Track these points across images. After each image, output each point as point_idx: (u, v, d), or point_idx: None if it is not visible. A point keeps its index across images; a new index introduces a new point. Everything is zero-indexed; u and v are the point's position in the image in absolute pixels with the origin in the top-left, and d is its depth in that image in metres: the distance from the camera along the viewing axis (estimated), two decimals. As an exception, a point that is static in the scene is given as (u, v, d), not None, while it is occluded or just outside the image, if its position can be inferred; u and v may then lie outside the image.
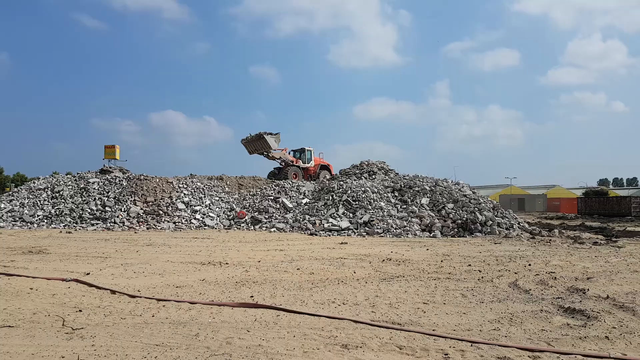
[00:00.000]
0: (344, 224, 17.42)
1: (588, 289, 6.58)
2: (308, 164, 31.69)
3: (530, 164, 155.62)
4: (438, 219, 17.65)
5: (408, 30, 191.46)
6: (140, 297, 6.13)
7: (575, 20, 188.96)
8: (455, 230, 16.85)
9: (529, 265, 9.11)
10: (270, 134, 29.69)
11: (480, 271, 8.35)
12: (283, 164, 30.82)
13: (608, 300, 5.93)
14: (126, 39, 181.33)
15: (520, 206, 55.27)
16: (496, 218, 17.68)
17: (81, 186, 22.95)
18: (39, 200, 21.86)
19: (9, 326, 4.78)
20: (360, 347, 4.13)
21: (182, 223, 19.52)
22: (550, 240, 14.50)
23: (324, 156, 33.30)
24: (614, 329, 4.73)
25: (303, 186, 23.52)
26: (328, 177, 32.06)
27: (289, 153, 31.73)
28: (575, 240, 14.53)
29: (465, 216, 17.37)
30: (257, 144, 29.81)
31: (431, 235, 16.33)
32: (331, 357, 3.89)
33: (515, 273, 8.13)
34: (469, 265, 9.12)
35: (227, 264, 9.26)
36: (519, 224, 18.39)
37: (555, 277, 7.64)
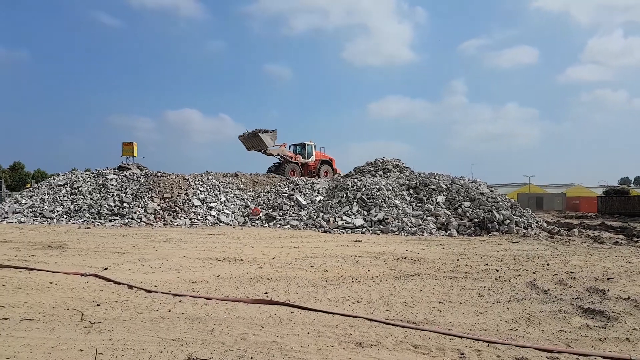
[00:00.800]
0: (358, 221, 17.38)
1: (608, 290, 6.47)
2: (308, 159, 31.46)
3: (549, 162, 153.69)
4: (454, 218, 17.51)
5: (424, 27, 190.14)
6: (157, 292, 6.19)
7: (595, 17, 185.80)
8: (472, 229, 16.69)
9: (548, 264, 8.98)
10: (266, 131, 29.53)
11: (497, 270, 8.27)
12: (282, 160, 30.70)
13: (629, 301, 5.82)
14: (143, 37, 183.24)
15: (538, 205, 54.56)
16: (514, 217, 17.48)
17: (99, 182, 23.24)
18: (59, 196, 22.21)
19: (29, 319, 4.86)
20: (375, 345, 4.11)
21: (197, 219, 19.67)
22: (570, 239, 14.29)
23: (325, 150, 33.20)
24: (635, 330, 4.64)
25: (317, 183, 23.53)
26: (330, 172, 31.93)
27: (289, 148, 31.53)
28: (595, 239, 14.29)
29: (483, 215, 17.21)
30: (253, 141, 29.76)
31: (447, 233, 16.21)
32: (345, 354, 3.88)
33: (534, 273, 8.03)
34: (486, 264, 9.03)
35: (241, 260, 9.31)
36: (537, 222, 18.15)
37: (575, 277, 7.53)
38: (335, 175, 30.12)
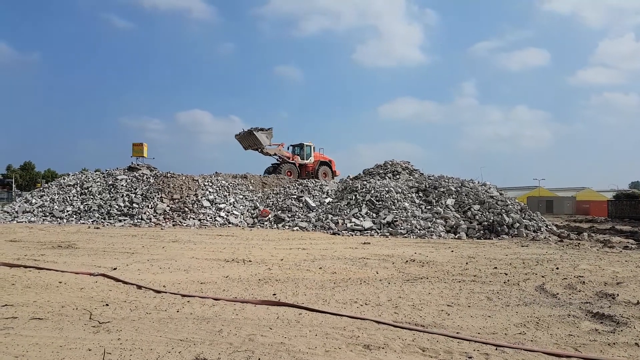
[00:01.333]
0: (367, 223, 17.35)
1: (618, 294, 6.42)
2: (307, 160, 31.14)
3: (558, 165, 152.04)
4: (463, 221, 17.43)
5: (434, 29, 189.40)
6: (166, 292, 6.22)
7: (606, 19, 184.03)
8: (481, 232, 16.61)
9: (557, 268, 8.92)
10: (262, 129, 29.28)
11: (506, 274, 8.23)
12: (280, 160, 30.42)
13: (638, 306, 5.77)
14: (155, 39, 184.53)
15: (548, 208, 54.11)
16: (523, 220, 17.37)
17: (109, 183, 23.41)
18: (69, 196, 22.39)
19: (38, 318, 4.91)
20: (383, 348, 4.11)
21: (207, 220, 19.73)
22: (579, 243, 14.18)
23: (327, 152, 33.03)
24: (645, 336, 4.60)
25: (326, 185, 23.53)
26: (329, 173, 31.72)
27: (288, 149, 31.31)
28: (605, 244, 14.18)
29: (492, 218, 17.12)
30: (249, 140, 29.48)
31: (456, 236, 16.14)
32: (353, 357, 3.88)
33: (543, 276, 7.98)
34: (495, 267, 8.98)
35: (250, 261, 9.33)
36: (547, 226, 18.03)
37: (584, 282, 7.47)
38: (346, 177, 30.00)
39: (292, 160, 30.60)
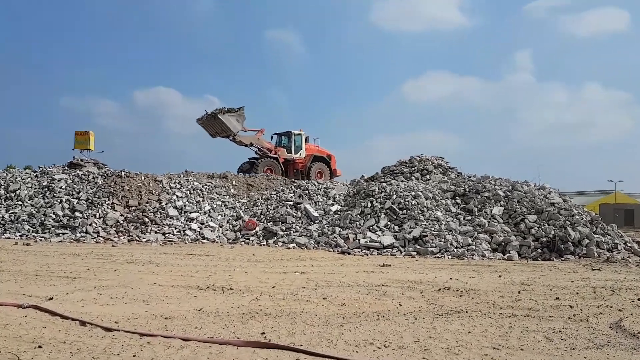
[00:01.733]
0: (387, 239, 17.36)
1: None
2: (296, 153, 30.63)
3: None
4: (515, 236, 17.44)
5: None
6: (118, 330, 6.22)
7: None
8: (539, 250, 16.59)
9: (639, 300, 8.92)
10: (229, 111, 28.90)
11: (571, 307, 8.22)
12: (260, 153, 29.90)
13: None
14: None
15: (627, 220, 54.19)
16: (594, 235, 17.36)
17: (44, 184, 23.45)
18: (-10, 202, 22.42)
19: (-50, 364, 4.92)
20: (407, 404, 4.10)
21: (173, 234, 19.76)
22: (670, 267, 14.18)
23: (321, 142, 32.59)
24: None
25: (333, 189, 23.54)
26: (326, 172, 31.10)
27: (271, 138, 30.88)
28: None
29: (553, 232, 17.10)
30: (215, 126, 29.15)
31: (505, 257, 16.14)
32: (368, 416, 3.88)
33: (620, 310, 7.97)
34: (557, 298, 8.98)
35: (231, 289, 9.34)
36: (625, 243, 18.03)
37: (676, 318, 7.46)
38: (360, 178, 29.84)
39: (275, 153, 29.99)
